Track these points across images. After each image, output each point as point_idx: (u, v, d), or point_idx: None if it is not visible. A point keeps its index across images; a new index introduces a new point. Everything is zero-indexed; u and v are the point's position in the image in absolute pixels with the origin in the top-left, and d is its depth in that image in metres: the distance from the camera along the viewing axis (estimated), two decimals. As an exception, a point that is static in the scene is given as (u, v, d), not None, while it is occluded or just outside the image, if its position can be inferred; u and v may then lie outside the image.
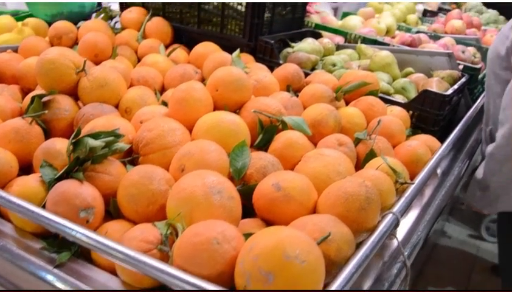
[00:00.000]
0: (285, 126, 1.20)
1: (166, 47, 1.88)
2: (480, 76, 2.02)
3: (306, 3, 2.14)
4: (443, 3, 5.73)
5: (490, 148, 1.52)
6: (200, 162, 0.97)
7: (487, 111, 1.69)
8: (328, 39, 1.98)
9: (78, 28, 1.83)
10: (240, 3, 1.80)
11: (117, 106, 1.31)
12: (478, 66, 2.00)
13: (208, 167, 0.95)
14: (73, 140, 0.98)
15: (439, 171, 1.42)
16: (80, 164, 0.98)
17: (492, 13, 3.72)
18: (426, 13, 4.56)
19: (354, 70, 1.64)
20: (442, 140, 1.46)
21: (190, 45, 1.86)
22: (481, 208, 1.65)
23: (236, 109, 1.26)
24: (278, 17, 1.96)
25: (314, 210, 0.94)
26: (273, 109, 1.22)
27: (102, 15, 2.00)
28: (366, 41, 2.11)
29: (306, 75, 1.65)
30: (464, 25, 2.82)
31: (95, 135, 1.01)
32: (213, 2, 1.85)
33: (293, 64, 1.61)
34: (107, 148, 1.01)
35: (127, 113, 1.29)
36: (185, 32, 1.96)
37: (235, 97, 1.24)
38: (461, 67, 1.97)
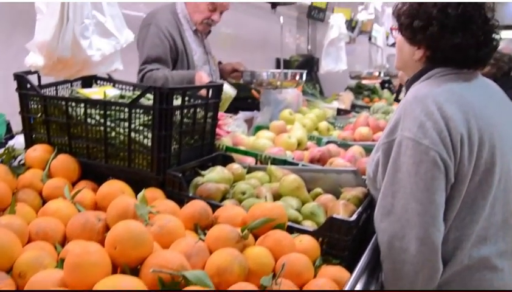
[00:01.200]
0: (188, 281, 1.17)
1: (74, 183, 1.83)
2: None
3: (215, 129, 2.19)
4: (356, 98, 6.11)
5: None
6: None
7: None
8: (238, 165, 2.01)
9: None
10: (146, 137, 1.81)
11: (10, 269, 1.24)
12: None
13: None
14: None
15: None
16: None
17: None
18: (340, 112, 4.80)
19: (261, 202, 1.66)
20: (355, 263, 1.47)
21: (98, 180, 1.83)
22: None
23: (138, 265, 1.22)
24: (187, 147, 1.98)
25: None
26: (174, 263, 1.18)
27: (4, 156, 1.93)
28: (277, 161, 2.17)
29: (216, 207, 1.65)
30: (370, 131, 2.97)
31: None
32: (120, 137, 1.85)
33: (200, 201, 1.61)
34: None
35: (21, 277, 1.21)
36: (93, 167, 1.92)
37: (135, 253, 1.20)
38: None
